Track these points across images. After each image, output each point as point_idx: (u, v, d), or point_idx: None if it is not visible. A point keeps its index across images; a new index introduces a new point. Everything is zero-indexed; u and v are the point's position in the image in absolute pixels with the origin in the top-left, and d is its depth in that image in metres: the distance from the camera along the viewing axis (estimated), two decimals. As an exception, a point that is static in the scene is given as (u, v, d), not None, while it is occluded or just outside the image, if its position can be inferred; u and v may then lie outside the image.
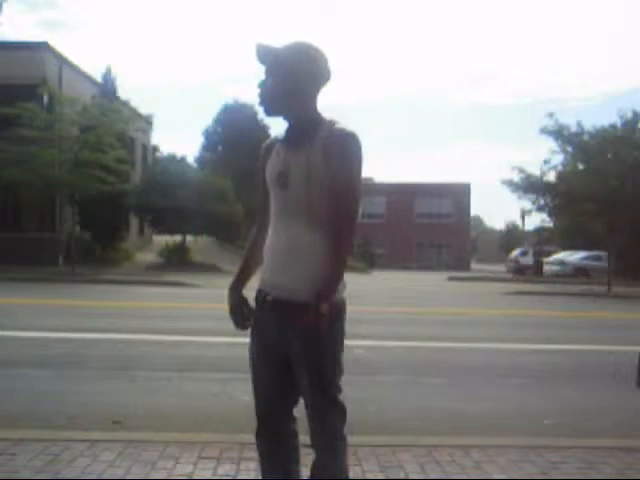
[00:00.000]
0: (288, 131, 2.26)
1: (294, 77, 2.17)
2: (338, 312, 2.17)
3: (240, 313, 2.33)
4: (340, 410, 2.24)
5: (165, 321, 10.22)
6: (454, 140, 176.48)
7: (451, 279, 29.09)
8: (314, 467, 2.26)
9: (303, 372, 2.19)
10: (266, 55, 2.21)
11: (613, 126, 22.49)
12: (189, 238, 30.03)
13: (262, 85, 2.22)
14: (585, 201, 22.50)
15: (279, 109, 2.25)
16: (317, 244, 2.15)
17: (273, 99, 2.21)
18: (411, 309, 13.69)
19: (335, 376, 2.22)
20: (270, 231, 2.26)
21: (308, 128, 2.19)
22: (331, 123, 2.19)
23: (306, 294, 2.10)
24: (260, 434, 2.34)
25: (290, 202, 2.19)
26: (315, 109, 2.23)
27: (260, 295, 2.27)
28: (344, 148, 2.15)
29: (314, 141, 2.16)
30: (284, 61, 2.18)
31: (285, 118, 2.26)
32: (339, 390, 2.23)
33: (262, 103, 2.24)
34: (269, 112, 2.26)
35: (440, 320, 11.80)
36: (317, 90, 2.23)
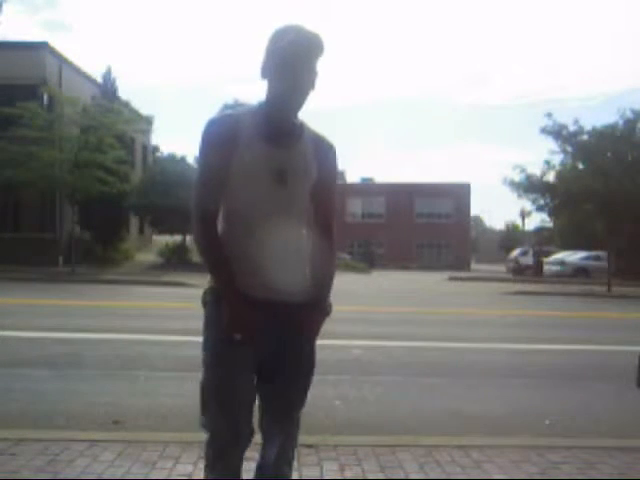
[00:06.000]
0: (281, 126, 2.09)
1: (315, 73, 2.10)
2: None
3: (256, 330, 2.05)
4: (299, 421, 2.25)
5: (165, 321, 10.21)
6: (454, 140, 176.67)
7: (451, 279, 29.08)
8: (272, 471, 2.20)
9: (294, 377, 2.15)
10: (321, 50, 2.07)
11: (613, 126, 22.49)
12: (189, 238, 30.01)
13: (309, 83, 2.07)
14: (585, 201, 22.51)
15: (301, 108, 2.11)
16: (314, 243, 2.14)
17: (305, 97, 2.08)
18: (411, 309, 13.68)
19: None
20: (259, 232, 2.04)
21: (301, 125, 2.14)
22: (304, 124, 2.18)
23: (312, 295, 2.10)
24: (223, 466, 2.12)
25: (289, 201, 2.07)
26: None
27: (246, 297, 2.06)
28: (333, 152, 2.18)
29: (303, 139, 2.12)
30: (316, 57, 2.08)
31: (291, 116, 2.11)
32: None
33: (299, 103, 2.08)
34: (294, 112, 2.10)
35: (440, 320, 11.79)
36: None
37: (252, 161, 2.03)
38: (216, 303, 2.06)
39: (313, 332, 2.14)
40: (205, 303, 2.13)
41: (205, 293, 2.14)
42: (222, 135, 2.03)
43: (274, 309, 2.04)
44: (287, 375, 2.13)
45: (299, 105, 2.07)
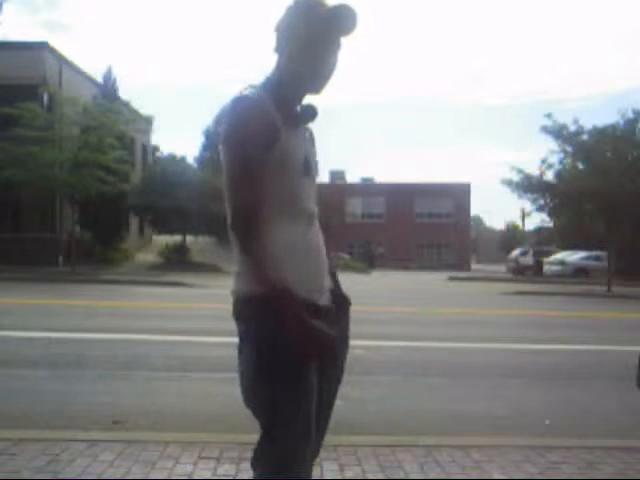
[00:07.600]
0: (302, 108, 1.88)
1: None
2: None
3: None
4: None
5: (165, 321, 10.21)
6: (454, 140, 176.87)
7: (451, 279, 29.08)
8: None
9: (336, 381, 1.98)
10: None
11: (613, 126, 22.49)
12: (189, 238, 30.05)
13: (336, 62, 1.87)
14: (585, 201, 22.49)
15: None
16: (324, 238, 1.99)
17: (330, 78, 1.89)
18: (411, 309, 13.67)
19: None
20: (291, 227, 1.80)
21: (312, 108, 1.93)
22: None
23: (337, 292, 1.97)
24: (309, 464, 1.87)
25: (313, 193, 1.89)
26: None
27: (311, 304, 1.77)
28: (314, 136, 2.02)
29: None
30: None
31: (304, 97, 1.90)
32: None
33: (325, 83, 1.87)
34: (318, 93, 1.88)
35: (440, 320, 11.79)
36: None
37: (284, 149, 1.77)
38: (269, 312, 1.71)
39: (349, 329, 2.00)
40: (249, 313, 1.78)
41: (242, 302, 1.80)
42: (262, 117, 1.73)
43: (330, 313, 1.85)
44: (331, 379, 1.95)
45: (324, 85, 1.85)
